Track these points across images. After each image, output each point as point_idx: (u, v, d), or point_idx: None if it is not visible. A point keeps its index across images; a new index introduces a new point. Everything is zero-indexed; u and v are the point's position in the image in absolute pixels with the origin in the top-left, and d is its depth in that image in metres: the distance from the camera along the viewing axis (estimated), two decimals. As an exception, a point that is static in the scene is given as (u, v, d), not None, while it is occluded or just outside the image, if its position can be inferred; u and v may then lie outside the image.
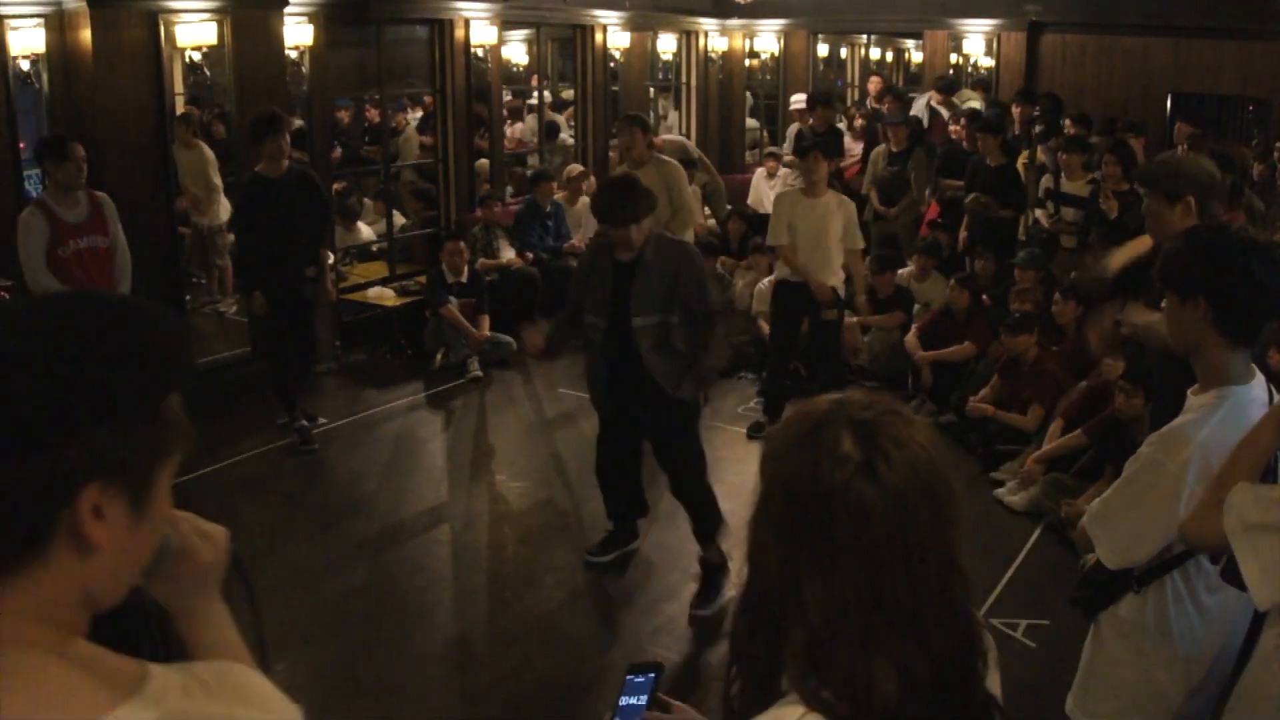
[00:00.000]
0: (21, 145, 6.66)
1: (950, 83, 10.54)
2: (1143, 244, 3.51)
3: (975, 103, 10.28)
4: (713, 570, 4.51)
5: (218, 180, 7.85)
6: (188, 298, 7.43)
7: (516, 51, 11.08)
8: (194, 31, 6.93)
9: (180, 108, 7.95)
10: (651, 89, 11.72)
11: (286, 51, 7.35)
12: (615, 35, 10.39)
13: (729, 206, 9.72)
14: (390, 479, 5.87)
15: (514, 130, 10.69)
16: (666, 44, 11.53)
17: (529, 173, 9.47)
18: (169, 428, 0.96)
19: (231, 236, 7.44)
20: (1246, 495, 1.94)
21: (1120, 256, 3.69)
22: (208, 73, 7.64)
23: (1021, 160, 7.82)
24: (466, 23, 8.72)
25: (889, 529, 1.11)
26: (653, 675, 1.51)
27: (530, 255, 8.49)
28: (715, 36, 11.78)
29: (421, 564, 4.95)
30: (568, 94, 11.12)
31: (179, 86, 7.96)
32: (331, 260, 6.68)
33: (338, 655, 4.13)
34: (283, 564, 4.73)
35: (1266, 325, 2.25)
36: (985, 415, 6.08)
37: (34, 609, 0.90)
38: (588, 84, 10.22)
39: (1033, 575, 4.79)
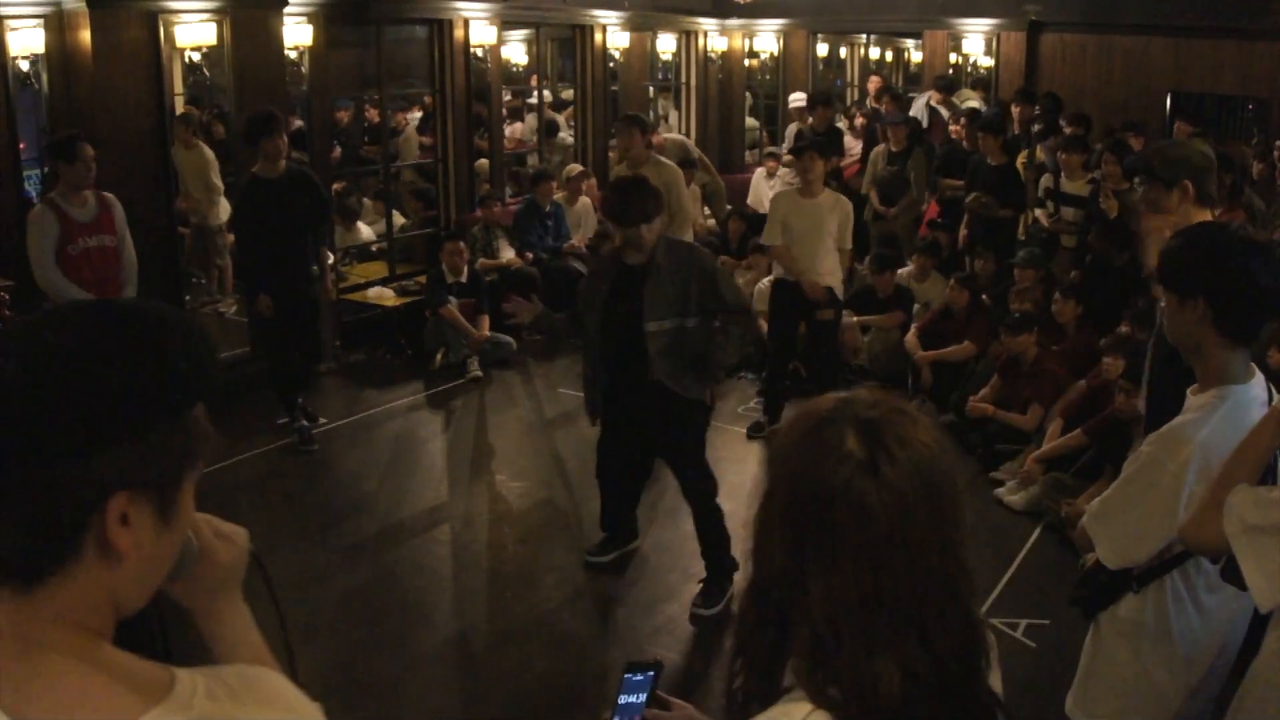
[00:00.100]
0: (21, 145, 6.67)
1: (949, 82, 10.54)
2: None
3: (975, 102, 10.27)
4: (718, 571, 4.50)
5: (218, 181, 7.85)
6: (188, 298, 7.44)
7: (516, 51, 11.07)
8: (194, 31, 6.94)
9: (180, 108, 7.95)
10: (651, 89, 11.72)
11: (286, 51, 7.36)
12: (615, 35, 10.39)
13: (729, 206, 9.73)
14: (390, 479, 5.87)
15: (513, 130, 10.69)
16: (666, 44, 11.53)
17: (530, 171, 9.46)
18: (195, 437, 0.97)
19: (232, 236, 7.44)
20: (1246, 497, 1.94)
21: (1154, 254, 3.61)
22: (207, 73, 7.65)
23: (1021, 160, 7.82)
24: (466, 23, 8.72)
25: (891, 528, 1.11)
26: (652, 673, 1.51)
27: (530, 255, 8.49)
28: (715, 36, 11.78)
29: (421, 564, 4.95)
30: (568, 94, 11.12)
31: (179, 86, 7.95)
32: (331, 260, 6.68)
33: (338, 655, 4.13)
34: (283, 564, 4.73)
35: (1266, 325, 2.25)
36: (985, 415, 6.08)
37: (63, 615, 0.91)
38: (587, 84, 10.22)
39: (1033, 575, 4.79)
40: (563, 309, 4.92)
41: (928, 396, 6.70)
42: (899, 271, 7.60)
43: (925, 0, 10.96)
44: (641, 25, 10.75)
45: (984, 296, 7.05)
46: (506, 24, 9.51)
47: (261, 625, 1.25)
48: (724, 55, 12.00)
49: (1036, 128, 8.18)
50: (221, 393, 1.01)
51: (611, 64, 10.48)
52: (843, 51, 13.84)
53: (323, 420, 6.48)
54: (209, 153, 7.84)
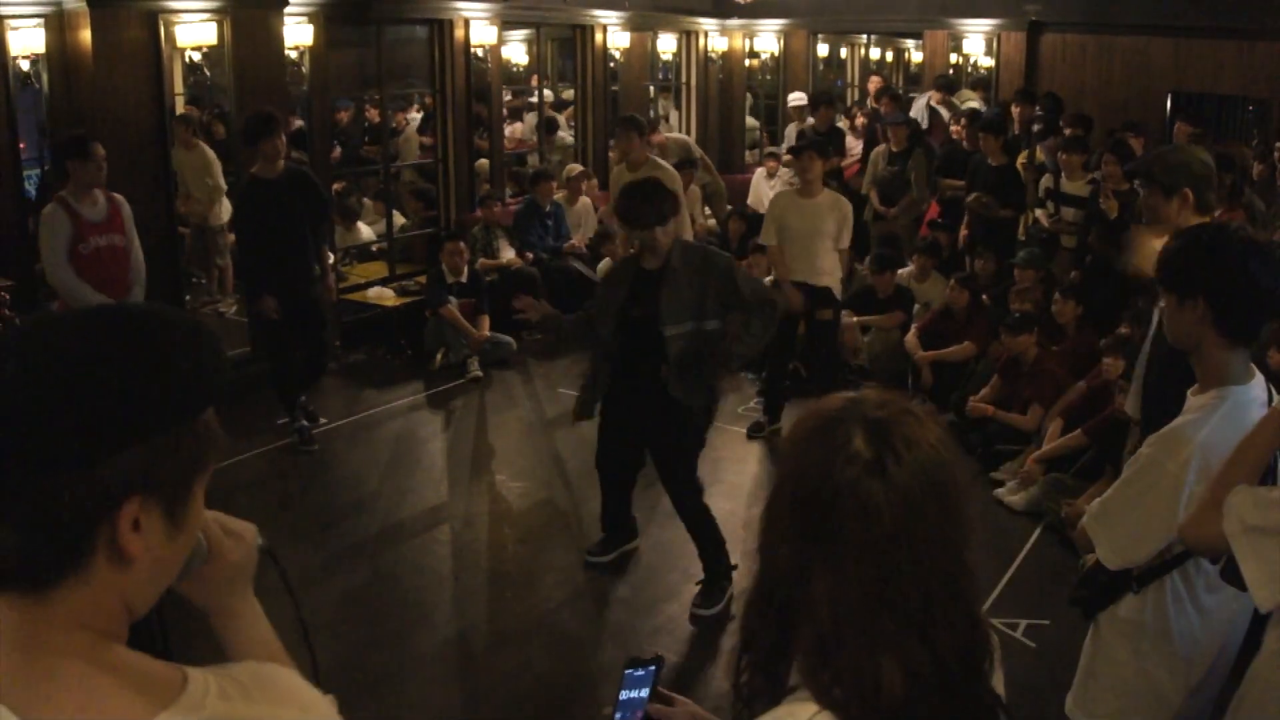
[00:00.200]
0: (21, 145, 6.67)
1: (949, 82, 10.53)
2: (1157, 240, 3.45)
3: (975, 103, 10.28)
4: (717, 571, 4.50)
5: (220, 181, 7.85)
6: (188, 298, 7.44)
7: (516, 51, 11.08)
8: (194, 31, 6.94)
9: (180, 108, 7.95)
10: (651, 89, 11.72)
11: (286, 51, 7.36)
12: (615, 35, 10.39)
13: (729, 206, 9.73)
14: (390, 479, 5.87)
15: (513, 130, 10.69)
16: (666, 44, 11.53)
17: (530, 171, 9.47)
18: (205, 441, 0.98)
19: (232, 237, 7.45)
20: (1246, 497, 1.94)
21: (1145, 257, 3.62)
22: (208, 73, 7.65)
23: (1021, 160, 7.83)
24: (466, 23, 8.72)
25: (897, 528, 1.11)
26: (653, 668, 1.51)
27: (530, 255, 8.50)
28: (715, 36, 11.78)
29: (421, 564, 4.95)
30: (568, 94, 11.12)
31: (179, 86, 7.96)
32: (331, 260, 6.68)
33: (338, 655, 4.13)
34: (283, 564, 4.72)
35: (1266, 325, 2.25)
36: (985, 415, 6.08)
37: (75, 619, 0.91)
38: (588, 84, 10.22)
39: (1033, 575, 4.79)
40: (562, 309, 4.92)
41: (928, 397, 6.69)
42: (899, 271, 7.60)
43: (925, 0, 10.96)
44: (642, 25, 10.75)
45: (984, 296, 7.05)
46: (507, 24, 9.52)
47: (277, 620, 1.25)
48: (724, 55, 12.00)
49: (1036, 128, 8.18)
50: (226, 396, 1.01)
51: (612, 64, 10.48)
52: (843, 52, 13.84)
53: (323, 420, 6.48)
54: (210, 153, 7.84)
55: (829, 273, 6.21)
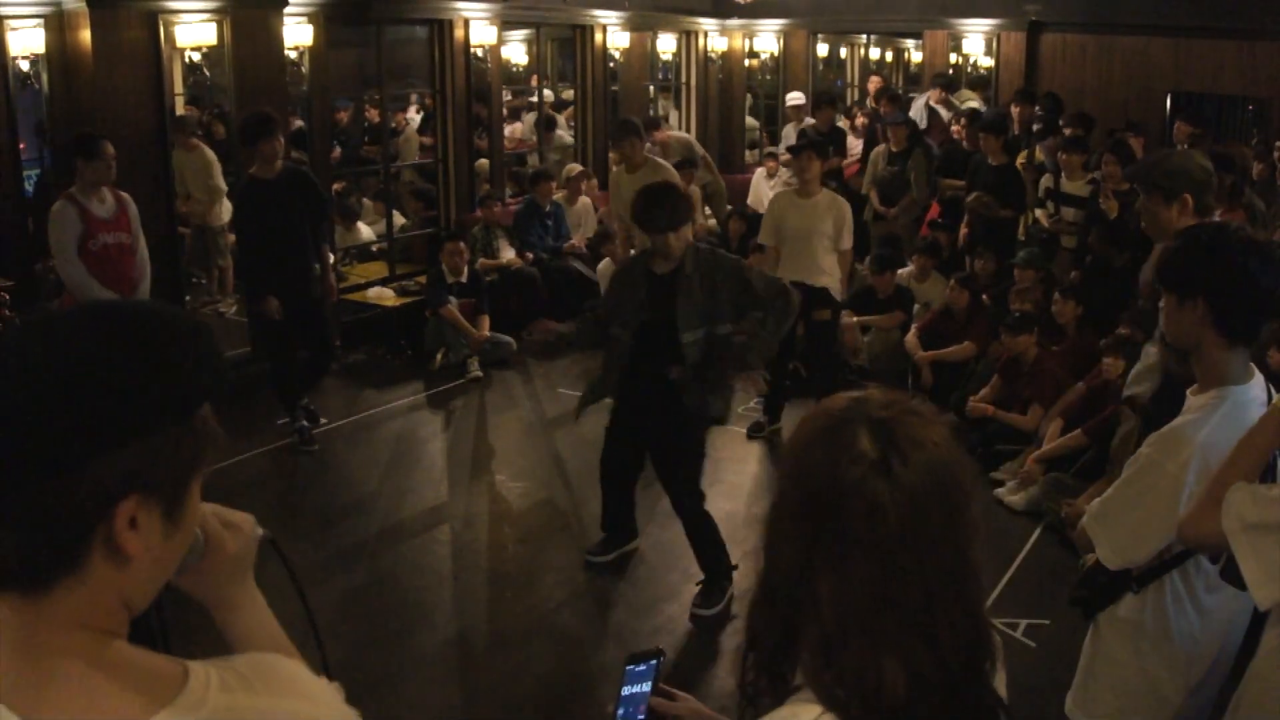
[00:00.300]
0: (21, 145, 6.67)
1: (948, 79, 10.53)
2: None
3: (975, 103, 10.28)
4: (716, 571, 4.49)
5: (220, 182, 7.85)
6: (188, 298, 7.44)
7: (516, 51, 11.08)
8: (194, 31, 6.94)
9: (180, 108, 7.95)
10: (651, 89, 11.72)
11: (286, 51, 7.36)
12: (615, 35, 10.39)
13: (729, 206, 9.73)
14: (390, 479, 5.87)
15: (513, 129, 10.69)
16: (666, 44, 11.53)
17: (530, 171, 9.47)
18: (202, 438, 0.97)
19: (233, 237, 7.45)
20: (1244, 494, 1.94)
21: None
22: (208, 73, 7.65)
23: (1020, 160, 7.83)
24: (466, 23, 8.72)
25: (903, 529, 1.11)
26: (654, 662, 1.50)
27: (530, 255, 8.50)
28: (715, 36, 11.78)
29: (421, 564, 4.95)
30: (568, 94, 11.12)
31: (179, 86, 7.96)
32: (332, 260, 6.68)
33: (337, 655, 4.09)
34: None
35: (1265, 325, 2.25)
36: (985, 415, 6.08)
37: (74, 618, 0.91)
38: (587, 84, 10.22)
39: (1033, 575, 4.80)
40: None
41: (928, 397, 6.69)
42: (899, 272, 7.60)
43: (925, 0, 10.96)
44: (642, 25, 10.75)
45: (984, 296, 7.05)
46: (507, 24, 9.51)
47: (281, 613, 1.25)
48: (724, 55, 12.00)
49: (1036, 128, 8.18)
50: (224, 393, 1.01)
51: (611, 64, 10.48)
52: (843, 52, 13.84)
53: (323, 420, 6.48)
54: (209, 154, 7.84)
55: (827, 273, 6.20)
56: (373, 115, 9.91)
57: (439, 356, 7.58)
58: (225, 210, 7.83)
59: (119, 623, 0.96)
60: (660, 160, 7.04)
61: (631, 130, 6.64)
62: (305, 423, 6.19)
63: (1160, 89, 9.75)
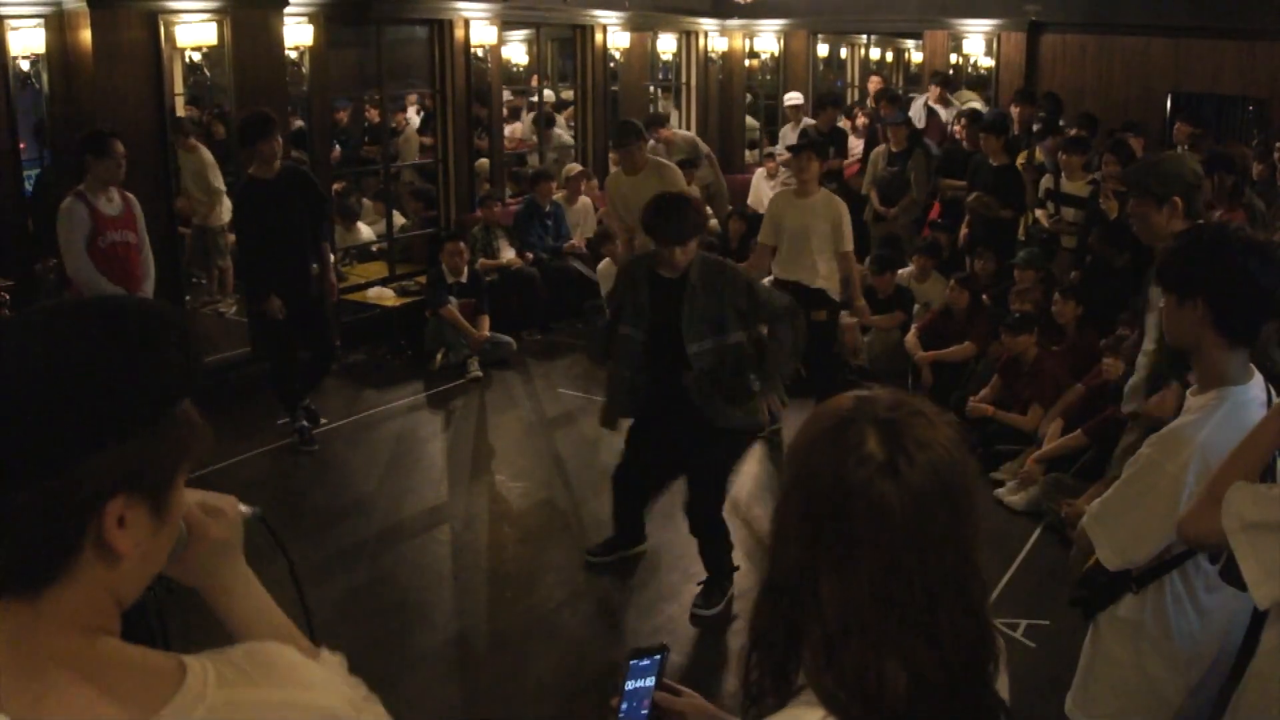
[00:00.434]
0: (21, 145, 6.67)
1: (947, 78, 10.52)
2: None
3: (975, 103, 10.28)
4: (718, 571, 4.48)
5: (219, 183, 7.85)
6: (187, 298, 7.44)
7: (516, 51, 11.08)
8: (194, 31, 6.94)
9: (180, 108, 7.95)
10: (651, 89, 11.72)
11: (286, 51, 7.36)
12: (615, 35, 10.39)
13: (730, 207, 9.73)
14: (390, 479, 5.87)
15: (513, 129, 10.69)
16: (666, 44, 11.53)
17: (530, 171, 9.47)
18: (186, 432, 0.97)
19: (233, 237, 7.45)
20: (1244, 493, 1.94)
21: None
22: (208, 73, 7.65)
23: (1020, 160, 7.83)
24: (466, 23, 8.72)
25: (908, 529, 1.11)
26: (658, 657, 1.50)
27: (530, 255, 8.50)
28: (715, 36, 11.78)
29: (421, 564, 4.95)
30: (568, 94, 11.12)
31: (179, 87, 7.96)
32: (332, 260, 6.67)
33: (338, 655, 4.13)
34: (282, 564, 4.72)
35: (1265, 325, 2.25)
36: (985, 415, 6.08)
37: (67, 619, 0.91)
38: (587, 84, 10.22)
39: (1033, 575, 4.80)
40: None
41: (928, 397, 6.68)
42: (899, 272, 7.60)
43: (925, 0, 10.96)
44: (642, 25, 10.75)
45: (984, 296, 7.05)
46: (507, 24, 9.52)
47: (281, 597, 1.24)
48: (724, 55, 12.00)
49: (1036, 128, 8.18)
50: (222, 392, 1.01)
51: (612, 64, 10.48)
52: (843, 52, 13.84)
53: (323, 420, 6.48)
54: (208, 155, 7.84)
55: (824, 274, 6.18)
56: (373, 115, 9.91)
57: (439, 357, 7.58)
58: (225, 210, 7.83)
59: (111, 620, 0.95)
60: (664, 160, 7.03)
61: (634, 134, 6.59)
62: (305, 423, 6.19)
63: (1160, 89, 9.75)
